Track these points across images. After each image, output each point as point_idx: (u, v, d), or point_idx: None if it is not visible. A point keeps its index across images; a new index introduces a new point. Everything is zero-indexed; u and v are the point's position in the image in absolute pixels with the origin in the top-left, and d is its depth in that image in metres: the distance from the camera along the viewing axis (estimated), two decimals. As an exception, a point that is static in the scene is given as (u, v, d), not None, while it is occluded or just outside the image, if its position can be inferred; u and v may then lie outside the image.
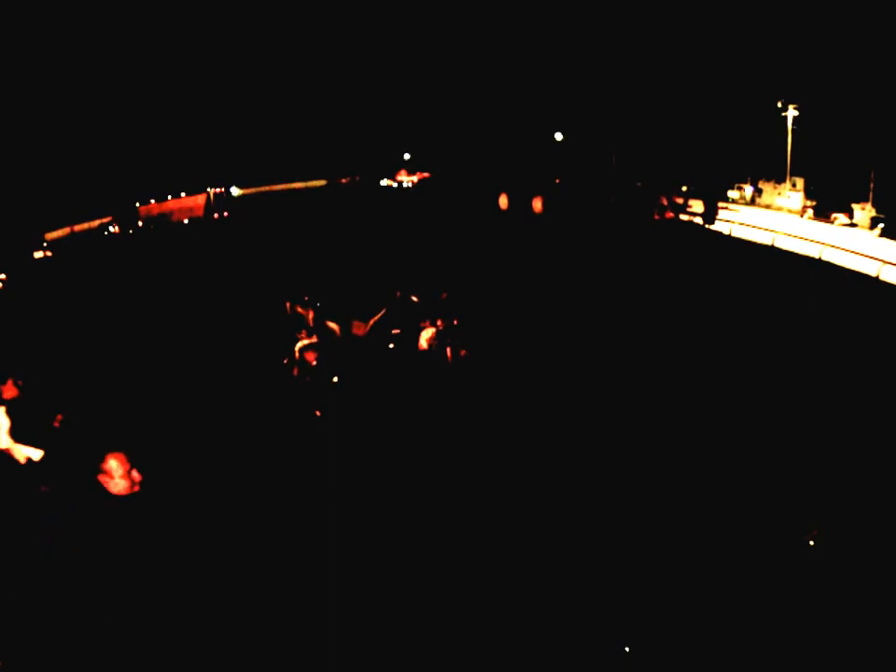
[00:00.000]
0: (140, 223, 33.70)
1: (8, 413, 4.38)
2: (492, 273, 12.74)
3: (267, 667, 3.68)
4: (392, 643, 3.90)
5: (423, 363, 7.31)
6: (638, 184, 32.15)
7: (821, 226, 29.81)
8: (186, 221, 35.22)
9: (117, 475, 3.31)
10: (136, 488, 3.36)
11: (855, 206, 30.38)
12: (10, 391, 4.67)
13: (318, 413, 6.33)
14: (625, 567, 4.51)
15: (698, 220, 24.90)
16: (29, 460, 4.29)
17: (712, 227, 24.17)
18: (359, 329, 8.00)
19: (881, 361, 8.23)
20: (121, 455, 3.35)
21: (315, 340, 7.13)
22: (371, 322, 8.01)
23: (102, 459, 3.32)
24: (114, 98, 45.34)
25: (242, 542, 4.13)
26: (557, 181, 35.22)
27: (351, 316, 8.05)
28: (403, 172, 48.41)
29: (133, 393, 7.23)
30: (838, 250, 18.57)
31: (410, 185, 45.89)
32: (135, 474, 3.37)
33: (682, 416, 6.72)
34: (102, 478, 3.32)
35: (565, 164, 41.45)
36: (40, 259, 25.79)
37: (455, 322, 7.38)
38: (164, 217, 35.68)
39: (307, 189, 47.34)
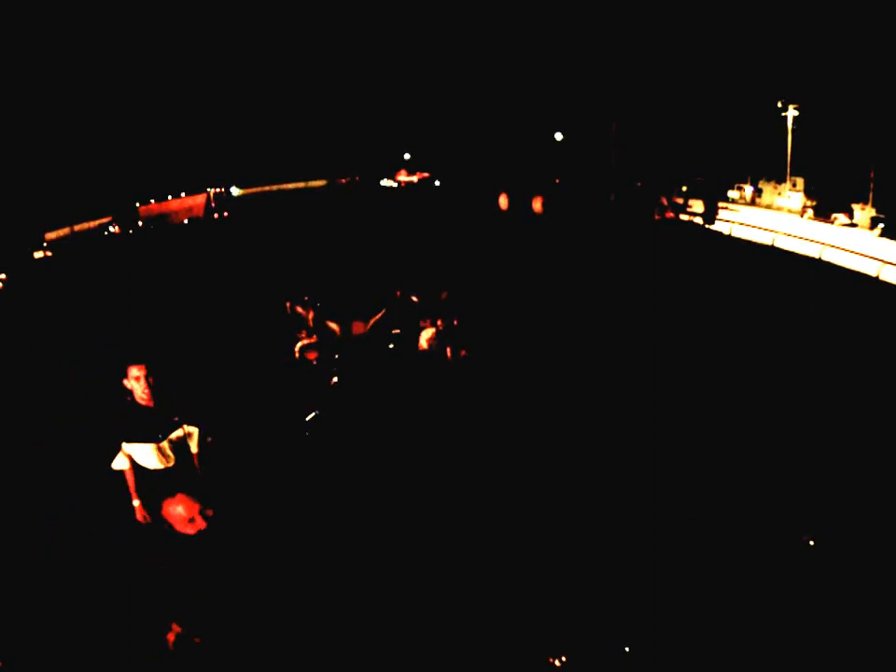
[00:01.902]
0: (140, 223, 33.76)
1: None
2: (492, 273, 12.73)
3: (266, 666, 3.68)
4: (391, 642, 3.90)
5: (423, 363, 7.31)
6: (638, 184, 32.16)
7: (821, 226, 29.82)
8: (186, 221, 35.24)
9: (180, 522, 3.14)
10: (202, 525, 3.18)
11: (855, 206, 30.39)
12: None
13: (318, 413, 6.33)
14: (625, 567, 4.51)
15: (698, 220, 24.90)
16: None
17: (712, 227, 24.17)
18: (359, 328, 8.00)
19: (881, 361, 8.22)
20: (186, 500, 3.14)
21: (314, 340, 7.14)
22: (372, 322, 8.01)
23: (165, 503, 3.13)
24: (114, 98, 45.36)
25: (241, 541, 4.12)
26: (557, 181, 35.23)
27: (351, 316, 8.04)
28: (403, 172, 48.36)
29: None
30: (838, 250, 18.57)
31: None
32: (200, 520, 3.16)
33: (682, 416, 6.72)
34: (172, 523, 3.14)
35: (565, 164, 41.46)
36: (40, 258, 25.83)
37: (455, 322, 7.37)
38: (164, 217, 35.74)
39: (307, 188, 47.37)
